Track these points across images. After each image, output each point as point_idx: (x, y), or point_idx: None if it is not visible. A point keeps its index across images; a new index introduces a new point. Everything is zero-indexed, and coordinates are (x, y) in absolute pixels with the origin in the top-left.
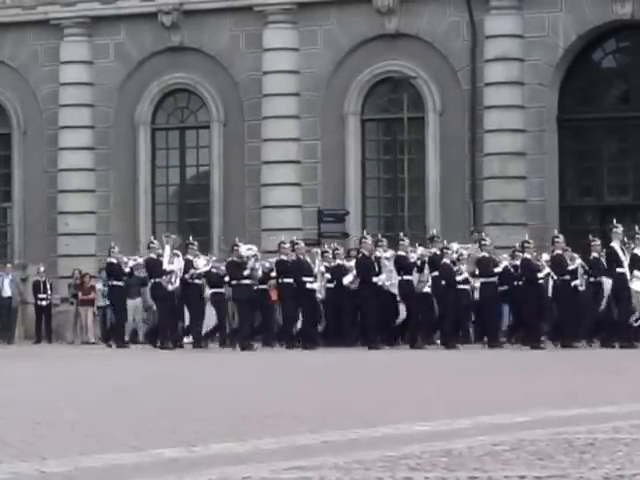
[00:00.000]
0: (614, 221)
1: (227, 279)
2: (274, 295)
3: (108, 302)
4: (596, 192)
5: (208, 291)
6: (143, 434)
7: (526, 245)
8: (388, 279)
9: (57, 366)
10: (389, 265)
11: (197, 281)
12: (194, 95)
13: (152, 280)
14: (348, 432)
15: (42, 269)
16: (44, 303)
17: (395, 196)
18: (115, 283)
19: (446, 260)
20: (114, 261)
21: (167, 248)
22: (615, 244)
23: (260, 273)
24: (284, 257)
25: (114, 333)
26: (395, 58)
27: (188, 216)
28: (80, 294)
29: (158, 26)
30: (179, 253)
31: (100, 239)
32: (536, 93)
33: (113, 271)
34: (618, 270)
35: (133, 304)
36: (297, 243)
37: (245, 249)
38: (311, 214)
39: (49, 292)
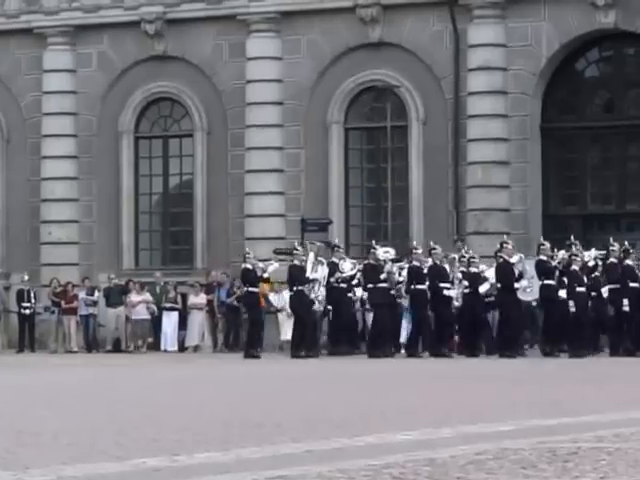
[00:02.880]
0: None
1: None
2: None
3: (90, 311)
4: (579, 201)
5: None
6: (126, 443)
7: (504, 245)
8: (530, 285)
9: (40, 375)
10: (530, 270)
11: (342, 285)
12: (177, 104)
13: (294, 288)
14: (331, 441)
15: (26, 278)
16: (27, 312)
17: (378, 205)
18: (251, 289)
19: (575, 267)
20: (249, 267)
21: (311, 255)
22: (630, 261)
23: (397, 277)
24: (417, 263)
25: (249, 343)
26: (378, 67)
27: (171, 225)
28: (63, 303)
29: (141, 35)
30: (323, 261)
31: (83, 248)
32: (519, 102)
33: (248, 277)
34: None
35: (115, 312)
36: (434, 248)
37: (382, 252)
38: (294, 223)
39: (32, 301)
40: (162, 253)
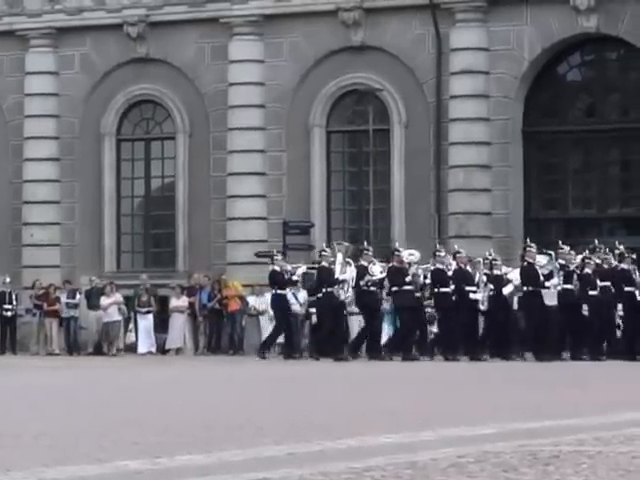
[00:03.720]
0: None
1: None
2: (234, 305)
3: (72, 313)
4: (561, 205)
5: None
6: (107, 446)
7: (528, 249)
8: (559, 283)
9: (21, 377)
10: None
11: (372, 288)
12: (159, 106)
13: (324, 289)
14: (313, 444)
15: (8, 280)
16: (9, 314)
17: (360, 208)
18: (279, 292)
19: (588, 270)
20: (277, 269)
21: (339, 256)
22: (625, 265)
23: (422, 279)
24: (440, 266)
25: (271, 344)
26: (361, 70)
27: (153, 227)
28: (45, 305)
29: (124, 37)
30: (351, 262)
31: (65, 250)
32: (501, 106)
33: (276, 279)
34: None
35: (96, 315)
36: (459, 252)
37: (407, 254)
38: (276, 226)
39: (14, 303)
40: (144, 256)
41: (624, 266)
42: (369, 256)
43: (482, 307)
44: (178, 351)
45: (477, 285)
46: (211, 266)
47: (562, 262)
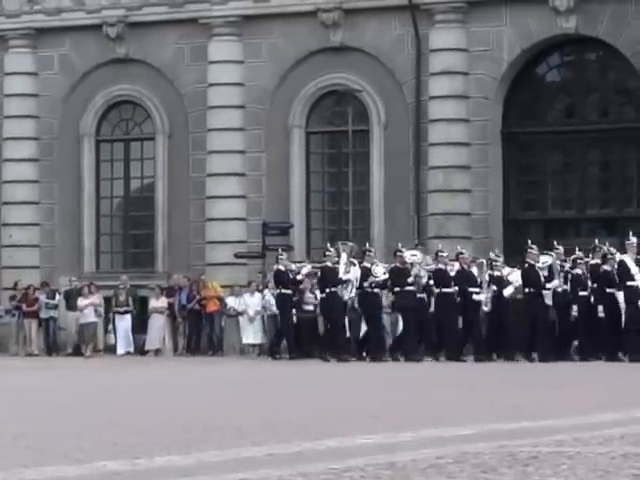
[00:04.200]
0: (630, 234)
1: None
2: (213, 306)
3: (51, 314)
4: (540, 206)
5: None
6: (86, 446)
7: (529, 250)
8: (560, 285)
9: (0, 378)
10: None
11: (376, 290)
12: (139, 107)
13: (327, 289)
14: (292, 445)
15: None
16: None
17: (340, 209)
18: (284, 291)
19: (578, 271)
20: (282, 268)
21: (343, 256)
22: (627, 257)
23: (425, 280)
24: (442, 266)
25: (276, 344)
26: (340, 71)
27: (132, 228)
28: (24, 306)
29: (103, 38)
30: (355, 262)
31: (44, 251)
32: (480, 107)
33: (281, 279)
34: (629, 283)
35: (75, 316)
36: (462, 253)
37: (409, 255)
38: (256, 227)
39: None
40: (123, 256)
41: (607, 267)
42: (372, 257)
43: (486, 308)
44: (157, 352)
45: (480, 286)
46: (190, 267)
47: (559, 262)
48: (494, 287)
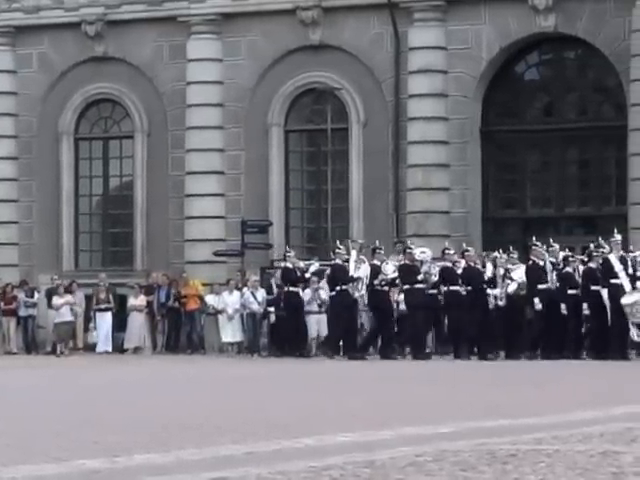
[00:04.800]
0: (615, 231)
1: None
2: (192, 304)
3: (30, 312)
4: (519, 204)
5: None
6: (65, 445)
7: (533, 247)
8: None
9: None
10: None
11: (385, 288)
12: (118, 105)
13: (338, 287)
14: (271, 443)
15: None
16: None
17: (319, 207)
18: (292, 289)
19: (569, 269)
20: (290, 266)
21: (353, 254)
22: (612, 255)
23: (435, 277)
24: (449, 264)
25: (291, 343)
26: (319, 69)
27: (111, 226)
28: (2, 304)
29: (82, 36)
30: (365, 259)
31: (23, 249)
32: (459, 105)
33: (289, 276)
34: (612, 281)
35: (54, 315)
36: (467, 250)
37: (419, 252)
38: (234, 225)
39: None
40: (102, 254)
41: (592, 265)
42: (381, 255)
43: (500, 303)
44: (136, 350)
45: (493, 281)
46: (169, 265)
47: (552, 260)
48: (508, 281)
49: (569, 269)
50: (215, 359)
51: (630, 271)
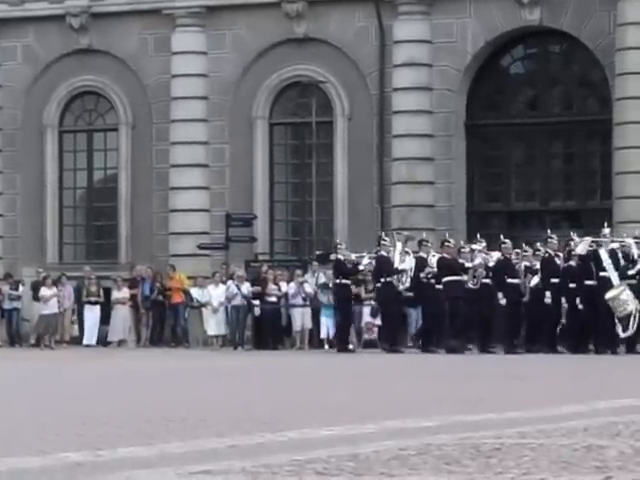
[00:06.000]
0: (605, 224)
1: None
2: (177, 297)
3: (14, 305)
4: (503, 197)
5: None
6: (49, 437)
7: (549, 240)
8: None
9: None
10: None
11: (432, 280)
12: (102, 98)
13: (382, 279)
14: (255, 436)
15: None
16: None
17: (303, 200)
18: (343, 282)
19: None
20: (342, 259)
21: (398, 245)
22: (601, 249)
23: (483, 271)
24: (447, 255)
25: (340, 334)
26: (304, 62)
27: (95, 219)
28: None
29: (66, 28)
30: (410, 251)
31: (7, 242)
32: (444, 98)
33: (341, 269)
34: (601, 274)
35: (40, 307)
36: (448, 241)
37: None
38: (219, 218)
39: None
40: (86, 247)
41: (572, 263)
42: (428, 247)
43: (525, 298)
44: (120, 343)
45: (465, 270)
46: (154, 258)
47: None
48: (530, 275)
49: (572, 263)
50: (199, 352)
51: (622, 262)
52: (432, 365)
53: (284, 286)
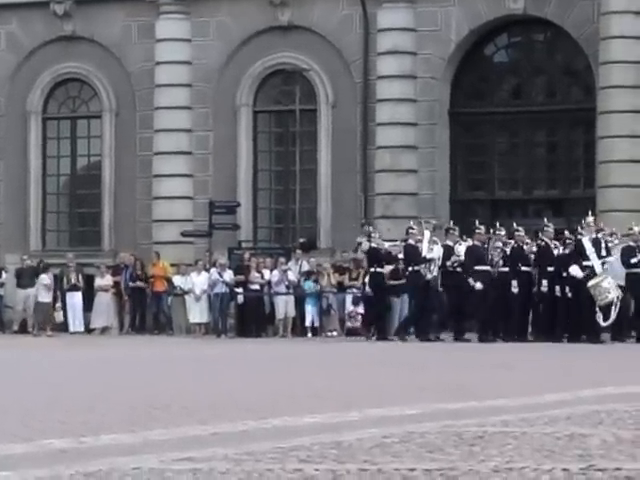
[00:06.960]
0: (589, 213)
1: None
2: (159, 285)
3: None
4: (487, 186)
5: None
6: (33, 424)
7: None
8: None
9: None
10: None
11: (459, 269)
12: (86, 85)
13: (410, 268)
14: (238, 424)
15: None
16: None
17: (287, 188)
18: (378, 270)
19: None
20: (375, 246)
21: (426, 234)
22: (585, 237)
23: (500, 260)
24: (412, 242)
25: (378, 324)
26: (288, 50)
27: (79, 206)
28: None
29: (50, 15)
30: (437, 240)
31: None
32: (428, 87)
33: (377, 257)
34: (585, 263)
35: (25, 294)
36: (518, 230)
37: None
38: (202, 205)
39: None
40: (70, 234)
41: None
42: (455, 236)
43: (544, 289)
44: (103, 330)
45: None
46: (137, 245)
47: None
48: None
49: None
50: (182, 340)
51: (603, 253)
52: (415, 353)
53: (267, 274)
